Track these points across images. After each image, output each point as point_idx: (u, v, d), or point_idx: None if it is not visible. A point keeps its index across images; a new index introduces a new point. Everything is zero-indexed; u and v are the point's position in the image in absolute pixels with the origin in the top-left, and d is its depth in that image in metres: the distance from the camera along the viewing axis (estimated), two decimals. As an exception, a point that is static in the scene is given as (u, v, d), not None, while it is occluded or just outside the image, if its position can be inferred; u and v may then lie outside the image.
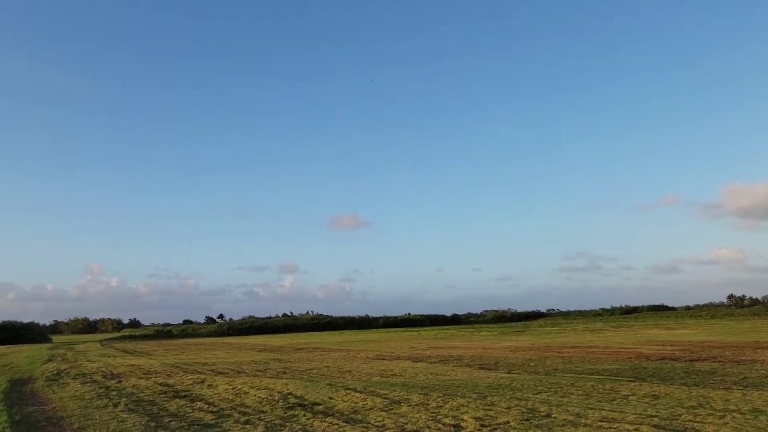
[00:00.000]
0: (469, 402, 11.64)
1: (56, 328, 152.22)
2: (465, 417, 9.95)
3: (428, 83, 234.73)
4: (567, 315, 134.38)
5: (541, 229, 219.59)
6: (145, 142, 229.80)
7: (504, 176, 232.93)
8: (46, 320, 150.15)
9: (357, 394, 13.07)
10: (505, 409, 10.75)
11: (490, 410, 10.63)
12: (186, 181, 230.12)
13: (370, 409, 11.16)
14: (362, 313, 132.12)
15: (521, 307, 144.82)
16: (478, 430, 8.96)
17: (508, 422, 9.41)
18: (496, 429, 8.96)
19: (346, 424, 9.65)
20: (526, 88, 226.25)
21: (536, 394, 13.07)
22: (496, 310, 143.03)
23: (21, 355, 41.10)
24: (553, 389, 13.84)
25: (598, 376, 16.98)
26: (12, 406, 13.33)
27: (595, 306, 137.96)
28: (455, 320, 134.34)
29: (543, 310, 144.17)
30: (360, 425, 9.58)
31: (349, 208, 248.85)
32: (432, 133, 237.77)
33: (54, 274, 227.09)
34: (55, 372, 22.88)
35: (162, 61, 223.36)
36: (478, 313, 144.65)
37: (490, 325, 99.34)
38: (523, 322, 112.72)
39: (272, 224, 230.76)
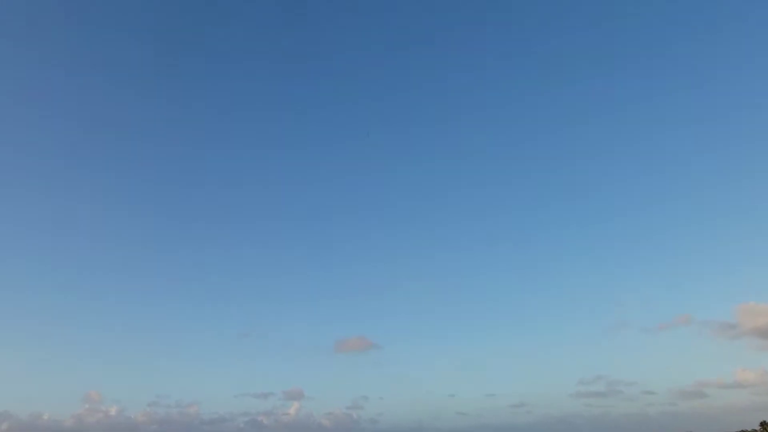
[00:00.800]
0: None
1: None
2: None
3: (439, 209, 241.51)
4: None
5: (554, 352, 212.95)
6: (149, 270, 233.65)
7: (516, 298, 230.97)
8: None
9: None
10: None
11: None
12: (189, 305, 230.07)
13: None
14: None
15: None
16: None
17: None
18: None
19: None
20: (534, 205, 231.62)
21: None
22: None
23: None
24: None
25: None
26: None
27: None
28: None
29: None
30: None
31: (356, 330, 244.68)
32: (441, 255, 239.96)
33: (52, 401, 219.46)
34: None
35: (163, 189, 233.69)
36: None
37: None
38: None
39: (277, 348, 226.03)
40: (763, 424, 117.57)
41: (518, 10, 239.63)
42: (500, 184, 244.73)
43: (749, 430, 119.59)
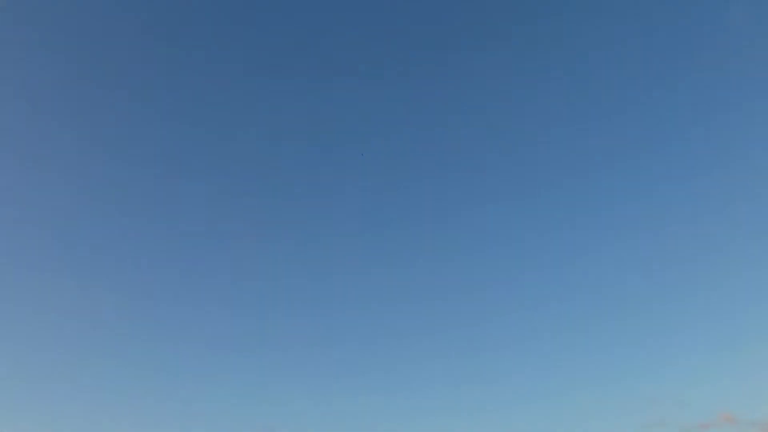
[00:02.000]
0: None
1: None
2: None
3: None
4: None
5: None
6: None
7: (539, 392, 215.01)
8: None
9: None
10: None
11: None
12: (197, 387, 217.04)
13: None
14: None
15: None
16: None
17: None
18: None
19: None
20: (561, 297, 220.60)
21: None
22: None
23: None
24: None
25: None
26: None
27: None
28: None
29: None
30: None
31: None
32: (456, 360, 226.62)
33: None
34: None
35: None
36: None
37: None
38: None
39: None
40: None
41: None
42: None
43: None
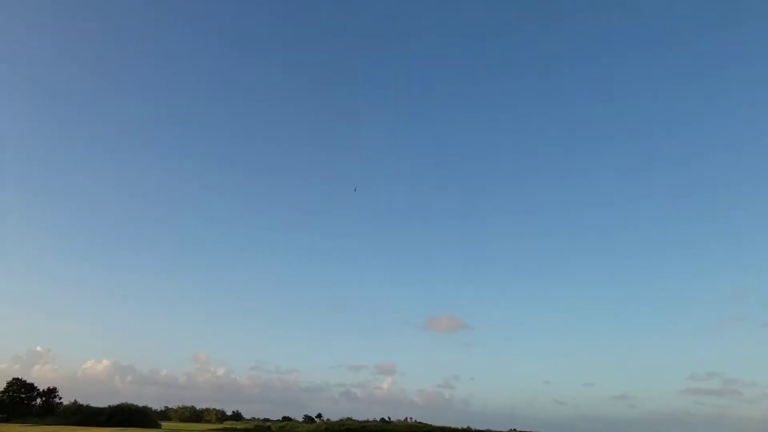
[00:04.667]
0: None
1: (166, 414, 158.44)
2: None
3: (536, 194, 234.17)
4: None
5: (662, 344, 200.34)
6: (246, 245, 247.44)
7: (620, 283, 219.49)
8: (158, 405, 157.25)
9: None
10: None
11: None
12: (287, 274, 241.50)
13: None
14: (463, 425, 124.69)
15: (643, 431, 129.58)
16: None
17: None
18: None
19: None
20: (648, 193, 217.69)
21: None
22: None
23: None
24: None
25: None
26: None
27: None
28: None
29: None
30: None
31: (446, 309, 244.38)
32: (539, 235, 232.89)
33: (167, 360, 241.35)
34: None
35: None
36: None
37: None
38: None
39: (368, 322, 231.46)
40: None
41: None
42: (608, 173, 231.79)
43: None
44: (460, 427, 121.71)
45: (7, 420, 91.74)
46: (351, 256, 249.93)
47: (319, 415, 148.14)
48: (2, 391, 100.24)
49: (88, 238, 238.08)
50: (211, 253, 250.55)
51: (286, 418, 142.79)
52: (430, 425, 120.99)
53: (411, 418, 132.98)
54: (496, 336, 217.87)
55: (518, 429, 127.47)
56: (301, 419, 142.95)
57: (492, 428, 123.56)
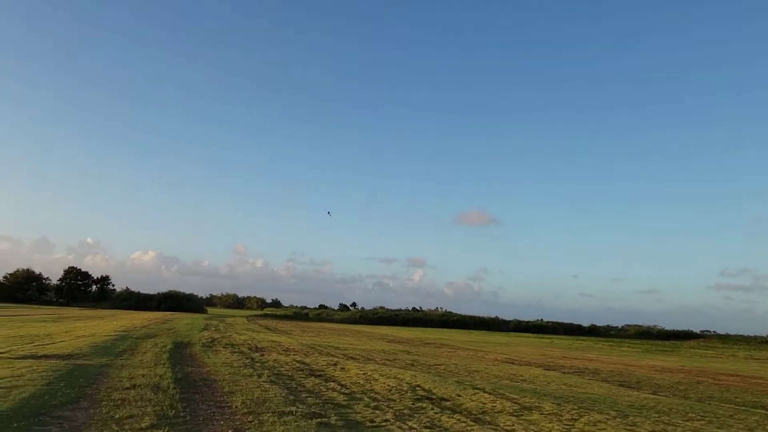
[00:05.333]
0: (607, 419, 10.84)
1: (210, 301, 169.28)
2: (603, 434, 9.27)
3: (573, 80, 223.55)
4: (725, 339, 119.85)
5: (692, 240, 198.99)
6: (289, 136, 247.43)
7: (653, 178, 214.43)
8: (203, 293, 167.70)
9: (486, 395, 12.80)
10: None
11: (631, 431, 9.81)
12: (320, 169, 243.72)
13: (499, 411, 10.86)
14: (491, 314, 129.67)
15: (669, 325, 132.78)
16: (618, 450, 8.29)
17: (654, 447, 8.59)
18: (639, 452, 8.22)
19: (474, 424, 9.48)
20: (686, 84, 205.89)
21: (687, 420, 11.81)
22: (640, 326, 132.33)
23: (182, 322, 46.26)
24: (707, 418, 12.41)
25: (765, 411, 14.92)
26: (175, 365, 15.02)
27: (762, 332, 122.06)
28: (592, 332, 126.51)
29: (696, 330, 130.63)
30: (489, 426, 9.35)
31: (477, 204, 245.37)
32: (570, 132, 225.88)
33: (209, 252, 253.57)
34: (209, 340, 25.40)
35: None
36: (619, 326, 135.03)
37: (633, 341, 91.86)
38: (671, 341, 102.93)
39: (400, 216, 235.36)
40: None
41: None
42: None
43: None
44: (488, 316, 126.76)
45: (67, 304, 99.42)
46: (383, 150, 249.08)
47: (354, 304, 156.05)
48: (61, 279, 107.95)
49: (134, 135, 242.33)
50: (247, 149, 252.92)
51: (322, 307, 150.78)
52: (460, 314, 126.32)
53: (441, 308, 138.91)
54: (526, 231, 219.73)
55: (545, 319, 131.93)
56: (336, 308, 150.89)
57: (519, 318, 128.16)
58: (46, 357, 14.58)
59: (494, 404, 11.63)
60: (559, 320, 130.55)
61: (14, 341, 18.74)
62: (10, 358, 13.93)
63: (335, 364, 18.05)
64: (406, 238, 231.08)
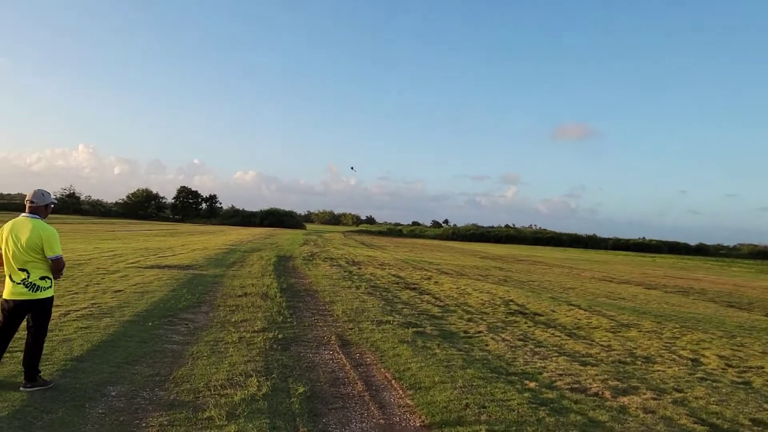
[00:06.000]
0: (712, 338, 10.45)
1: (308, 217, 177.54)
2: (706, 353, 8.99)
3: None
4: None
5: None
6: (381, 59, 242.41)
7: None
8: (300, 210, 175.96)
9: (581, 311, 12.71)
10: (760, 353, 9.40)
11: (739, 351, 9.42)
12: (408, 84, 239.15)
13: (595, 327, 10.79)
14: (589, 232, 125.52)
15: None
16: (723, 369, 8.03)
17: (762, 367, 8.23)
18: (746, 372, 7.92)
19: (568, 338, 9.52)
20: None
21: (803, 343, 11.11)
22: (756, 245, 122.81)
23: (283, 237, 49.16)
24: (827, 342, 11.59)
25: None
26: (279, 276, 16.17)
27: None
28: (700, 251, 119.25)
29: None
30: (584, 341, 9.36)
31: (575, 116, 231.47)
32: (678, 35, 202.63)
33: (304, 170, 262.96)
34: (309, 254, 26.91)
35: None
36: (730, 245, 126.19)
37: (745, 261, 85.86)
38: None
39: (492, 132, 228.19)
40: None
41: None
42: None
43: None
44: (585, 234, 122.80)
45: (181, 220, 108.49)
46: (473, 63, 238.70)
47: (446, 221, 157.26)
48: (174, 197, 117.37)
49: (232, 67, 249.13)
50: (338, 70, 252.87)
51: (415, 223, 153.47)
52: (555, 231, 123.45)
53: (535, 225, 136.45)
54: (629, 144, 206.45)
55: (648, 238, 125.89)
56: (429, 225, 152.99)
57: (619, 237, 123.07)
58: (168, 267, 16.19)
59: (590, 320, 11.55)
60: (663, 239, 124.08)
61: (141, 253, 20.91)
62: (139, 267, 15.62)
63: (429, 278, 18.57)
64: (499, 154, 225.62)
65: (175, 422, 4.58)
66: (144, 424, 4.52)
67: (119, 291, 10.96)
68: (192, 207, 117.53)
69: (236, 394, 5.30)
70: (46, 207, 5.38)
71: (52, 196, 5.52)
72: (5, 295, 5.18)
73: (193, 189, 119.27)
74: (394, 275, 19.00)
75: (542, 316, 11.90)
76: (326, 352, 7.47)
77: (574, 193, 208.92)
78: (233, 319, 9.06)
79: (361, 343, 8.08)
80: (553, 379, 6.63)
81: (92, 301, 9.60)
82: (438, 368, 6.72)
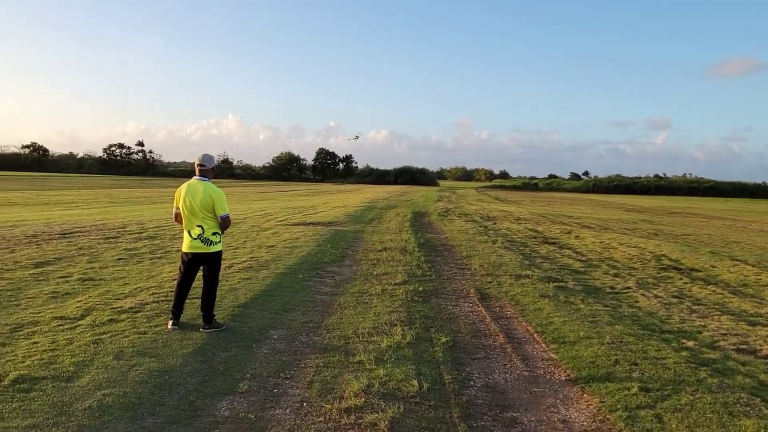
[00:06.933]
0: None
1: (441, 174, 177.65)
2: None
3: None
4: None
5: None
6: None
7: None
8: (433, 167, 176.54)
9: (748, 267, 11.44)
10: None
11: None
12: (535, 27, 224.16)
13: (766, 285, 9.66)
14: (757, 180, 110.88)
15: None
16: None
17: None
18: None
19: (733, 296, 8.65)
20: None
21: None
22: None
23: (417, 194, 49.87)
24: None
25: None
26: (416, 231, 16.52)
27: None
28: None
29: None
30: (751, 299, 8.44)
31: (738, 49, 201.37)
32: None
33: (434, 127, 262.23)
34: (443, 210, 27.06)
35: None
36: None
37: None
38: None
39: (637, 72, 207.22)
40: None
41: None
42: None
43: None
44: (752, 182, 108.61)
45: (321, 180, 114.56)
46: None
47: (586, 173, 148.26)
48: (314, 159, 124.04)
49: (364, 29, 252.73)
50: (464, 22, 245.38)
51: (551, 176, 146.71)
52: (715, 180, 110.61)
53: (690, 174, 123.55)
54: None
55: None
56: (566, 177, 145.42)
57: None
58: (313, 224, 17.28)
59: (759, 277, 10.36)
60: None
61: (288, 211, 22.51)
62: (287, 224, 16.87)
63: (569, 233, 17.80)
64: (645, 96, 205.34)
65: (330, 364, 4.98)
66: (303, 365, 4.97)
67: (272, 246, 11.96)
68: (330, 167, 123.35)
69: (383, 342, 5.60)
70: (212, 169, 6.01)
71: (215, 160, 6.14)
72: (184, 248, 5.92)
73: (330, 150, 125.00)
74: (531, 230, 18.48)
75: (700, 272, 10.91)
76: (466, 304, 7.57)
77: (737, 136, 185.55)
78: (375, 272, 9.48)
79: (501, 296, 8.05)
80: (716, 338, 6.11)
81: (250, 255, 10.60)
82: (583, 323, 6.50)
